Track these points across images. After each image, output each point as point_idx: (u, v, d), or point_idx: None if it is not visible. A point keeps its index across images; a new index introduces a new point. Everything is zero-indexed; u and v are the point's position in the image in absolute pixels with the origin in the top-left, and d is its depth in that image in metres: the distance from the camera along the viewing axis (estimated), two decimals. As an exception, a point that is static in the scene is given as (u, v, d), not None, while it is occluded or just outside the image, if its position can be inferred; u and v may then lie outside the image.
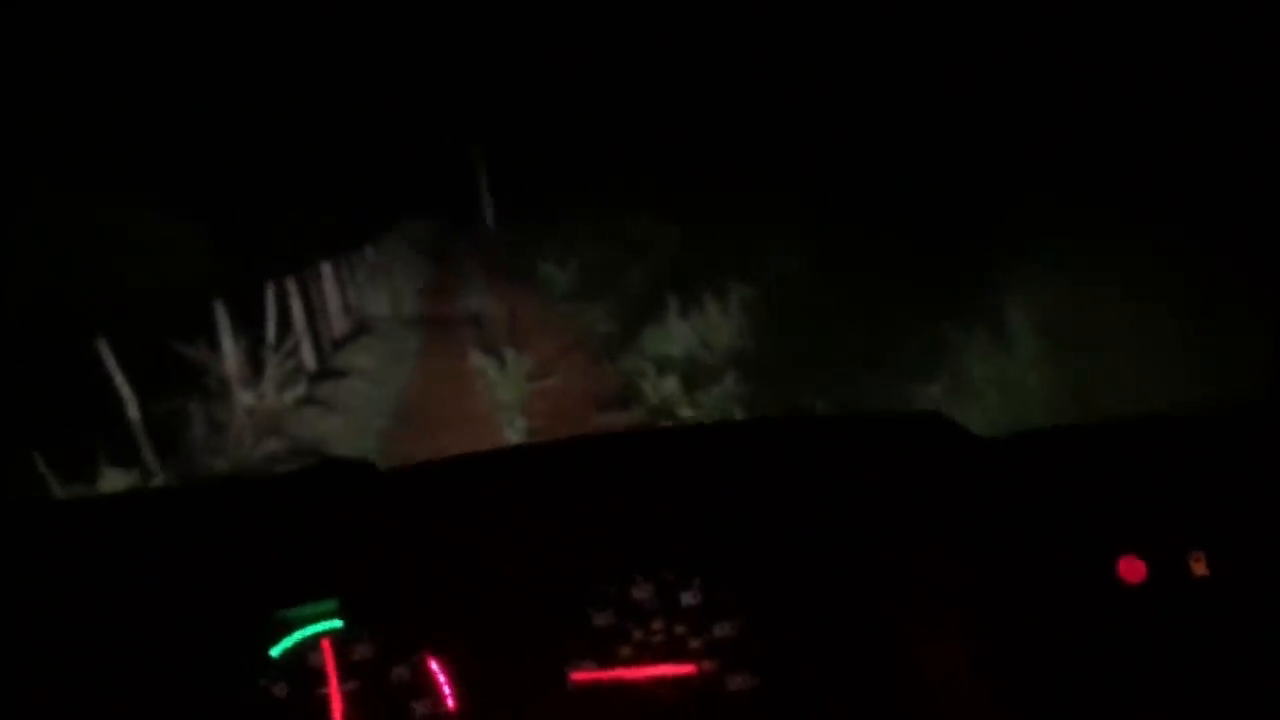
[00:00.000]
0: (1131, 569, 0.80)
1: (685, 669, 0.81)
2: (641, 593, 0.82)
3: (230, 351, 3.65)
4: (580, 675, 0.80)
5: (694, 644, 0.81)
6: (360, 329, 5.32)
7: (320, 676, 0.79)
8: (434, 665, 0.79)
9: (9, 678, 0.77)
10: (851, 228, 4.82)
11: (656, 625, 0.81)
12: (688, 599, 0.82)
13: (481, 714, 0.80)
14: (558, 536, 0.84)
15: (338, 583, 0.82)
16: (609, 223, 9.12)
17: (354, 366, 4.34)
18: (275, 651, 0.80)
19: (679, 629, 0.81)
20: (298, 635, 0.80)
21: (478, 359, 4.36)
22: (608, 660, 0.81)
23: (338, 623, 0.79)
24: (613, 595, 0.82)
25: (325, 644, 0.80)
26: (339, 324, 5.19)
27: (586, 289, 6.36)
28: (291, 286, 4.09)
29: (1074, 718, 0.79)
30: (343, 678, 0.80)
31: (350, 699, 0.79)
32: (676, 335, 3.78)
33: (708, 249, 6.32)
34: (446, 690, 0.79)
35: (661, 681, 0.82)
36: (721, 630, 0.82)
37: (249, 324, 3.78)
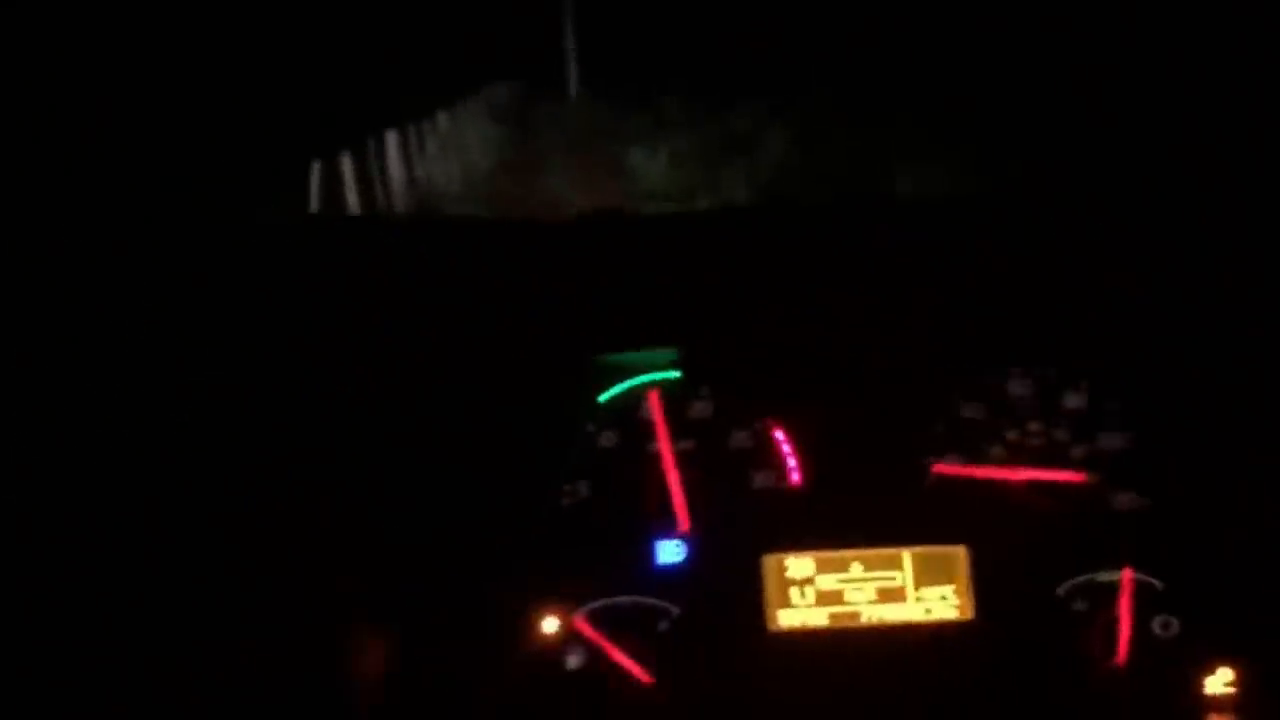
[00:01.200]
0: None
1: (1068, 477, 0.77)
2: (1020, 389, 0.77)
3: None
4: (945, 470, 0.78)
5: (1076, 452, 0.78)
6: (425, 212, 4.77)
7: (653, 431, 0.78)
8: (779, 435, 0.78)
9: (340, 408, 0.72)
10: (1017, 146, 4.04)
11: (1034, 426, 0.77)
12: (1072, 401, 0.77)
13: (827, 497, 0.79)
14: (931, 311, 0.77)
15: (678, 331, 0.78)
16: (704, 108, 8.30)
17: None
18: (605, 396, 0.79)
19: (1060, 433, 0.77)
20: (632, 381, 0.80)
21: None
22: (977, 457, 0.78)
23: (675, 373, 0.79)
24: (987, 387, 0.77)
25: (654, 395, 0.79)
26: (403, 204, 4.65)
27: (677, 186, 5.67)
28: (346, 165, 3.53)
29: None
30: (675, 434, 0.79)
31: (683, 458, 0.78)
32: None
33: (823, 155, 5.55)
34: (791, 464, 0.77)
35: (1035, 487, 0.78)
36: (1109, 440, 0.77)
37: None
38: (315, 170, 3.19)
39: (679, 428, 0.75)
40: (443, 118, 7.02)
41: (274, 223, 1.00)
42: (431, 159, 6.15)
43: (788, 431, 0.70)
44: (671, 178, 6.11)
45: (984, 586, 0.76)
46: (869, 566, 0.77)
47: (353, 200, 3.94)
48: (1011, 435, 0.71)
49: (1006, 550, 0.72)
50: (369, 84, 5.15)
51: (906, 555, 0.76)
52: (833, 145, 5.30)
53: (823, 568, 0.76)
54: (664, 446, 0.70)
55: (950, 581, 0.76)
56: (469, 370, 0.79)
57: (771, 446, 0.70)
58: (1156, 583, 0.74)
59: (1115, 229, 0.81)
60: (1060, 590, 0.75)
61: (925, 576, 0.77)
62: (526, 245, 0.84)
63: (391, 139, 5.08)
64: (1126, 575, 0.75)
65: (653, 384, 0.77)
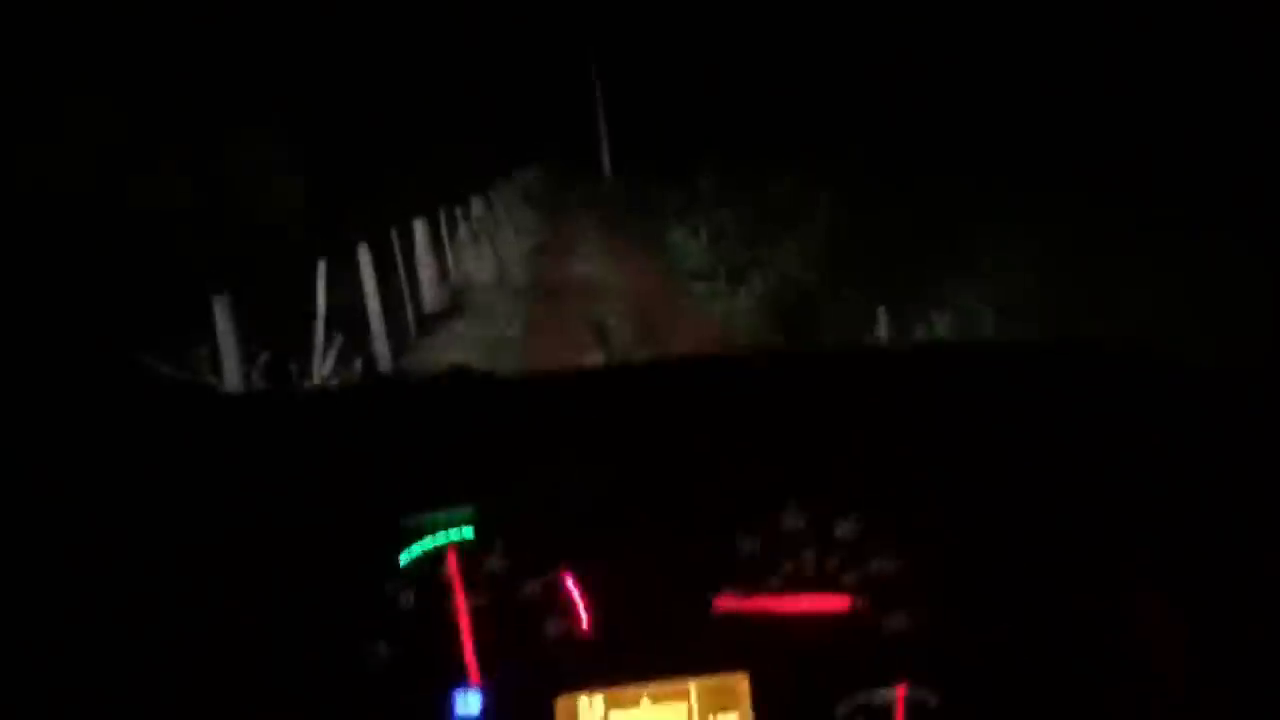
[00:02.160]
0: None
1: (838, 603, 0.75)
2: (793, 521, 0.75)
3: (234, 369, 2.47)
4: (725, 603, 0.75)
5: (848, 578, 0.75)
6: (456, 304, 4.48)
7: (450, 588, 0.75)
8: (569, 583, 0.74)
9: (139, 569, 0.71)
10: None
11: (808, 556, 0.75)
12: (843, 530, 0.75)
13: (617, 638, 0.74)
14: (705, 457, 0.78)
15: (471, 491, 0.76)
16: (744, 182, 8.02)
17: (439, 366, 3.49)
18: (404, 559, 0.74)
19: (832, 561, 0.75)
20: (428, 543, 0.75)
21: (595, 362, 3.45)
22: (755, 589, 0.76)
23: (469, 532, 0.75)
24: (762, 522, 0.75)
25: (451, 554, 0.75)
26: (432, 296, 4.36)
27: (723, 266, 5.36)
28: (364, 258, 3.23)
29: None
30: (471, 590, 0.75)
31: (479, 613, 0.74)
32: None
33: (876, 230, 5.15)
34: (581, 610, 0.74)
35: (811, 616, 0.76)
36: (878, 565, 0.75)
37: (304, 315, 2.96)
38: (321, 268, 2.86)
39: (475, 583, 0.77)
40: (474, 204, 6.84)
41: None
42: (462, 246, 5.93)
43: (577, 579, 0.76)
44: (716, 255, 5.82)
45: (765, 711, 0.79)
46: (656, 700, 0.82)
47: (371, 291, 3.66)
48: (787, 566, 0.76)
49: (785, 675, 0.77)
50: (397, 173, 4.96)
51: (692, 686, 0.80)
52: (882, 214, 4.95)
53: (613, 704, 0.81)
54: (458, 602, 0.75)
55: (734, 709, 0.82)
56: (268, 540, 0.77)
57: (563, 594, 0.77)
58: (931, 698, 0.76)
59: (882, 382, 0.87)
60: (839, 711, 0.77)
61: (710, 705, 0.82)
62: (324, 412, 0.88)
63: (419, 227, 4.85)
64: (900, 692, 0.77)
65: (449, 543, 0.78)
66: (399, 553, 0.76)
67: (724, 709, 0.80)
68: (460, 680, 0.76)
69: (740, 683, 0.79)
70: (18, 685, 0.72)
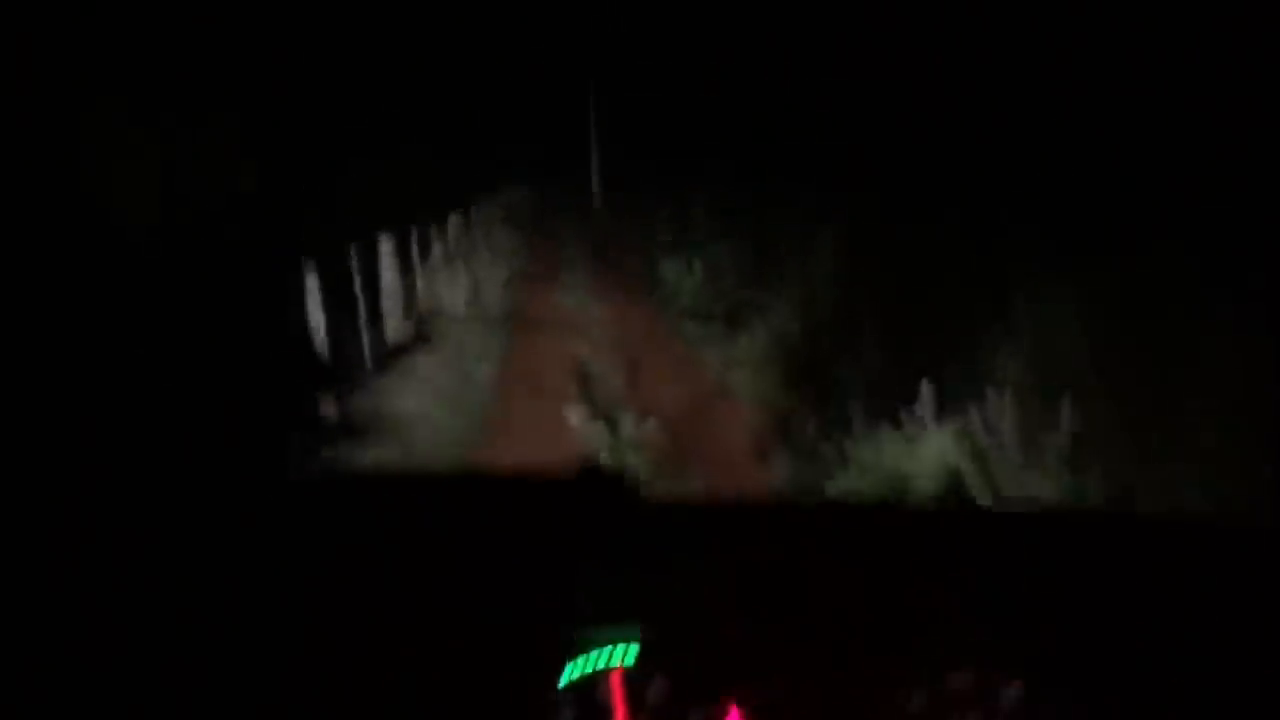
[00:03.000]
0: None
1: None
2: (962, 682, 0.73)
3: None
4: None
5: None
6: (421, 335, 3.99)
7: (609, 712, 0.71)
8: (734, 718, 0.71)
9: (293, 669, 0.68)
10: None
11: (973, 718, 0.72)
12: (1009, 696, 0.73)
13: None
14: (877, 606, 0.75)
15: (637, 611, 0.73)
16: (742, 215, 7.60)
17: (394, 414, 2.99)
18: (564, 679, 0.71)
19: None
20: (589, 663, 0.71)
21: (578, 418, 2.96)
22: None
23: (633, 654, 0.72)
24: (930, 679, 0.72)
25: (615, 677, 0.71)
26: (395, 328, 3.86)
27: (719, 306, 4.93)
28: (311, 281, 2.73)
29: None
30: (632, 715, 0.71)
31: None
32: (932, 448, 2.18)
33: (888, 274, 4.71)
34: None
35: None
36: None
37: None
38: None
39: (637, 708, 0.68)
40: (452, 221, 6.36)
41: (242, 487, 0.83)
42: (434, 269, 5.43)
43: (743, 714, 0.66)
44: (711, 294, 5.38)
45: None
46: None
47: (318, 321, 3.15)
48: None
49: None
50: (367, 180, 4.49)
51: None
52: (901, 258, 4.52)
53: None
54: None
55: None
56: (424, 641, 0.68)
57: None
58: None
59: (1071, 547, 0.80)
60: None
61: None
62: (495, 511, 0.78)
63: (386, 244, 4.34)
64: None
65: (612, 665, 0.69)
66: (560, 666, 0.71)
67: None
68: None
69: None
70: None
